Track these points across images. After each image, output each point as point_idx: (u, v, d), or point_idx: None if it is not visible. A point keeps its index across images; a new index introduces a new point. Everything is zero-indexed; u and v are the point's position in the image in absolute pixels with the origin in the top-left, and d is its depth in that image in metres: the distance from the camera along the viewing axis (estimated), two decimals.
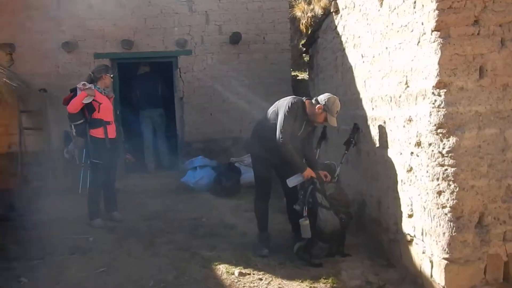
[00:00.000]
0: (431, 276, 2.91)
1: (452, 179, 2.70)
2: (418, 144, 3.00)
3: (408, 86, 3.15)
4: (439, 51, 2.67)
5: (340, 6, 4.93)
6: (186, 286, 3.32)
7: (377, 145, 3.83)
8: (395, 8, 3.33)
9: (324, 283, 3.30)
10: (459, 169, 2.68)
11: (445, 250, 2.74)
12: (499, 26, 2.67)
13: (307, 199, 3.70)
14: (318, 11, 9.65)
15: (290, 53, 7.97)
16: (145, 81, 7.58)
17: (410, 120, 3.12)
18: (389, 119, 3.54)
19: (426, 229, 2.96)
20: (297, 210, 3.72)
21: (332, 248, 3.78)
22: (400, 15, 3.23)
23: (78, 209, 5.11)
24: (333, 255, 3.78)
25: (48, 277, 3.49)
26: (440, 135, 2.74)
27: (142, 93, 7.52)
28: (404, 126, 3.23)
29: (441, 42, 2.67)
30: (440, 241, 2.78)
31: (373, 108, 3.93)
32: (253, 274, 3.51)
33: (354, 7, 4.40)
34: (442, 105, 2.70)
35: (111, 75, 5.04)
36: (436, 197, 2.80)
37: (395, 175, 3.43)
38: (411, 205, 3.18)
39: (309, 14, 10.16)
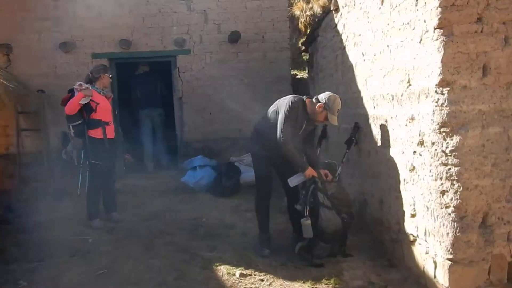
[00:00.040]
0: (435, 276, 2.89)
1: (456, 178, 2.67)
2: (421, 143, 2.97)
3: (410, 85, 3.12)
4: (442, 49, 2.64)
5: (340, 4, 4.90)
6: None
7: (379, 144, 3.80)
8: (396, 6, 3.30)
9: (326, 284, 3.28)
10: (462, 168, 2.65)
11: (448, 250, 2.72)
12: (503, 23, 2.64)
13: (309, 198, 3.67)
14: (317, 9, 9.65)
15: (289, 51, 7.95)
16: (145, 81, 7.52)
17: (412, 118, 3.10)
18: (391, 117, 3.51)
19: (429, 229, 2.93)
20: (298, 210, 3.70)
21: (333, 248, 3.75)
22: (402, 12, 3.20)
23: (77, 210, 5.07)
24: (335, 255, 3.74)
25: (48, 279, 3.45)
26: (444, 134, 2.71)
27: (141, 93, 7.46)
28: (406, 125, 3.20)
29: (444, 40, 2.64)
30: (443, 242, 2.76)
31: (374, 107, 3.90)
32: (255, 275, 3.48)
33: (354, 5, 4.37)
34: (445, 104, 2.67)
35: (110, 75, 5.01)
36: (440, 196, 2.77)
37: (397, 174, 3.40)
38: (414, 204, 3.15)
39: (308, 13, 10.16)
